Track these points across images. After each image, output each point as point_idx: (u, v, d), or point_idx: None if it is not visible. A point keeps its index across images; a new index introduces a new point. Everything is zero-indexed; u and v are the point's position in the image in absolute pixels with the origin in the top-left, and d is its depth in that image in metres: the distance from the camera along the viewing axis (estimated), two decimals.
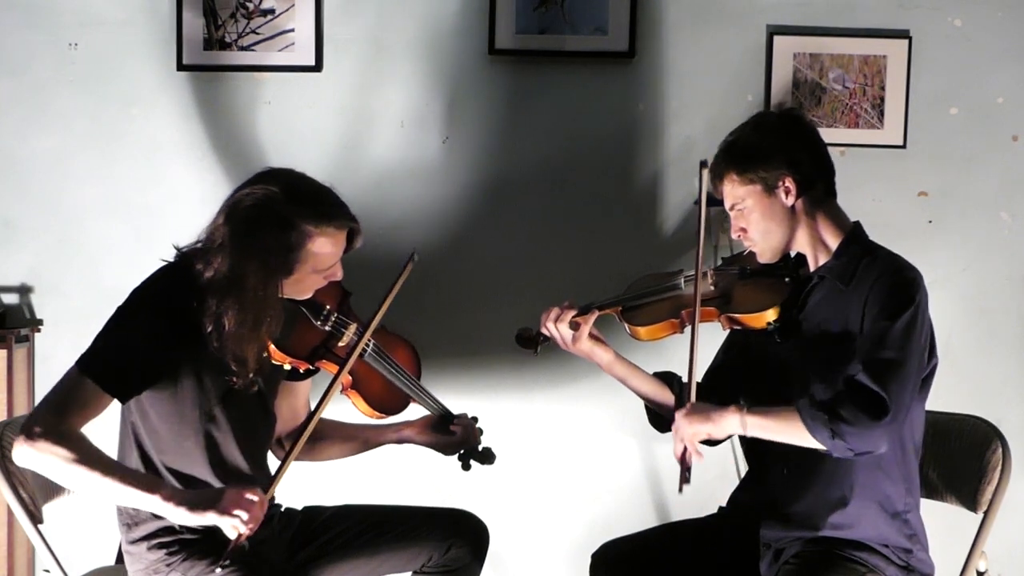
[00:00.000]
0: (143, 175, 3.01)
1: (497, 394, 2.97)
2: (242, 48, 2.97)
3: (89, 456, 1.92)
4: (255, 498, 1.95)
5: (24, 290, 3.03)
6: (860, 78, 2.94)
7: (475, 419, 2.44)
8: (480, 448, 2.44)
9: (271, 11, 2.96)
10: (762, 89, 2.95)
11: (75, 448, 1.91)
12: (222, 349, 2.01)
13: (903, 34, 2.94)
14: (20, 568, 2.94)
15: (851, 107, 2.94)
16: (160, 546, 2.09)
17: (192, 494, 1.98)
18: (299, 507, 2.36)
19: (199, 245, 2.07)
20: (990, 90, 2.96)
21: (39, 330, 3.01)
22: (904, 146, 2.95)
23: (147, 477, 2.02)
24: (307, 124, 2.98)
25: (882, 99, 2.94)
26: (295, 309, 2.14)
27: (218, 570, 1.99)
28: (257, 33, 2.96)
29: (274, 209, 1.99)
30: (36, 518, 2.17)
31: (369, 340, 2.20)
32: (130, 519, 2.12)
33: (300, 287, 2.08)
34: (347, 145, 2.98)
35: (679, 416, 2.13)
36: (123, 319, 2.02)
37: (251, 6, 2.96)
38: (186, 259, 2.07)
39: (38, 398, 3.00)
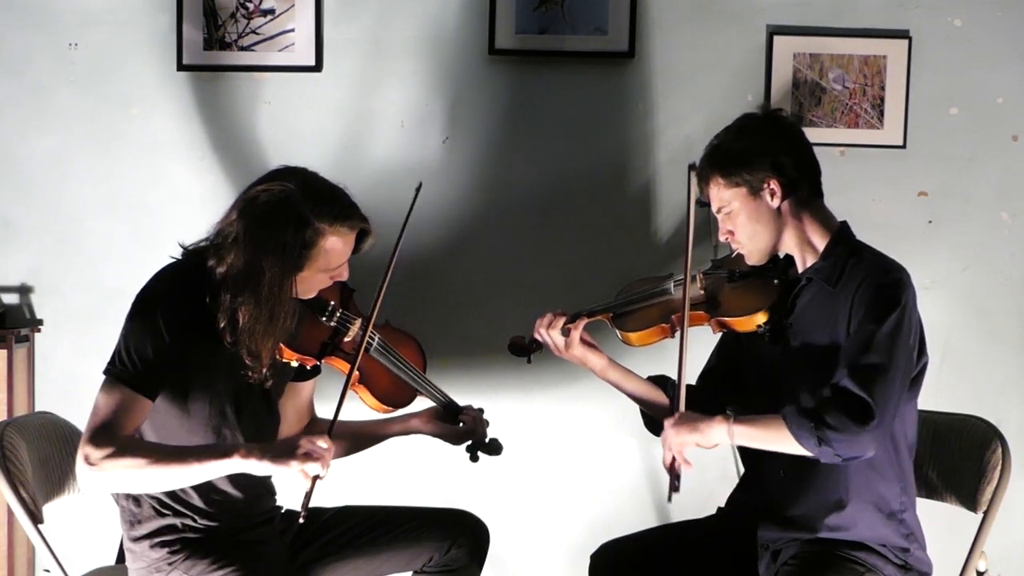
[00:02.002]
0: (143, 175, 3.01)
1: (497, 394, 2.97)
2: (242, 48, 2.97)
3: (157, 454, 1.94)
4: (325, 444, 1.98)
5: (24, 290, 3.03)
6: (860, 78, 2.94)
7: (481, 410, 2.44)
8: (487, 439, 2.44)
9: (271, 11, 2.96)
10: (762, 89, 2.95)
11: (141, 453, 1.93)
12: (236, 344, 2.02)
13: (903, 34, 2.94)
14: (20, 568, 2.94)
15: (851, 107, 2.94)
16: (162, 544, 2.10)
17: (268, 447, 1.99)
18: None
19: (208, 242, 2.07)
20: (990, 90, 2.95)
21: (39, 330, 3.01)
22: (904, 146, 2.94)
23: (216, 446, 2.02)
24: (307, 124, 2.98)
25: (882, 99, 2.94)
26: (301, 307, 2.15)
27: (300, 520, 2.01)
28: (257, 33, 2.96)
29: (292, 206, 2.00)
30: (36, 518, 2.18)
31: (374, 334, 2.23)
32: (133, 517, 2.12)
33: (307, 286, 2.09)
34: (347, 145, 2.98)
35: (667, 425, 2.13)
36: (139, 319, 2.02)
37: (251, 6, 2.96)
38: (194, 256, 2.08)
39: (38, 398, 3.00)
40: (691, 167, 2.21)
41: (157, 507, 2.09)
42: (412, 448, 2.95)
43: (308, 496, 1.98)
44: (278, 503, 2.31)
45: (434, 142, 2.99)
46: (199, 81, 2.99)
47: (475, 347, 2.98)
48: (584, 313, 2.34)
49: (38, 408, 2.95)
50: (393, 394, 2.30)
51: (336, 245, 2.05)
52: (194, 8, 2.95)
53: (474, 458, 2.44)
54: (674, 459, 2.11)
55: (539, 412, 3.02)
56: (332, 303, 2.22)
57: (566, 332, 2.31)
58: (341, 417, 2.40)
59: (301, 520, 2.00)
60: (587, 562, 2.36)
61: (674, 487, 2.11)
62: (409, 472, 2.99)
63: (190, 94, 2.99)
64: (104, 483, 1.94)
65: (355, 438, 2.44)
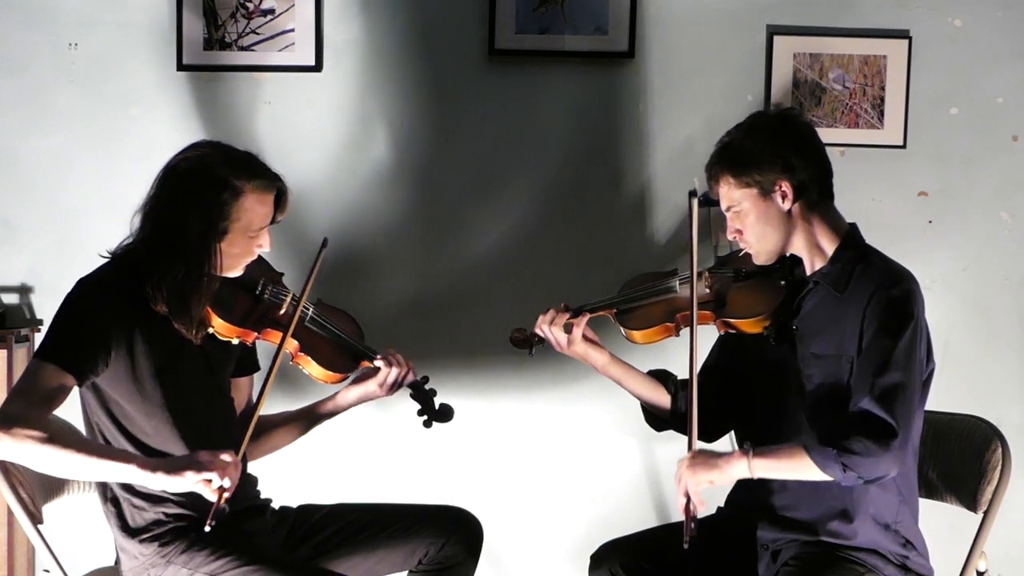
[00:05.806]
0: (143, 175, 2.97)
1: (497, 394, 2.97)
2: (242, 48, 2.97)
3: (62, 436, 1.99)
4: (228, 458, 2.01)
5: (24, 290, 3.03)
6: (860, 78, 2.93)
7: (423, 380, 2.41)
8: (437, 406, 2.42)
9: (271, 11, 2.96)
10: (762, 89, 2.95)
11: (47, 429, 1.97)
12: (169, 306, 2.07)
13: (903, 34, 2.94)
14: (20, 568, 2.94)
15: (851, 107, 2.94)
16: (153, 539, 2.11)
17: (167, 460, 2.03)
18: (294, 506, 2.37)
19: (132, 236, 2.15)
20: (990, 90, 2.95)
21: (39, 330, 3.01)
22: (904, 146, 2.94)
23: (121, 450, 2.07)
24: (307, 124, 2.98)
25: (882, 99, 2.94)
26: (233, 286, 2.21)
27: (207, 528, 2.02)
28: (257, 33, 2.96)
29: (210, 168, 2.10)
30: (36, 518, 2.18)
31: (308, 304, 2.30)
32: (117, 518, 2.14)
33: (232, 256, 2.14)
34: (347, 145, 2.98)
35: (682, 465, 2.09)
36: (69, 304, 2.09)
37: (251, 6, 2.96)
38: (122, 251, 2.16)
39: None
40: (691, 193, 2.20)
41: (134, 500, 2.12)
42: (408, 446, 2.95)
43: (214, 506, 2.00)
44: (265, 496, 2.31)
45: (434, 142, 2.98)
46: (199, 81, 2.99)
47: (474, 347, 2.98)
48: (586, 309, 2.34)
49: None
50: (335, 359, 2.32)
51: (255, 205, 2.12)
52: (194, 8, 2.95)
53: (427, 424, 2.43)
54: (689, 501, 2.06)
55: (539, 412, 3.01)
56: (262, 280, 2.28)
57: (568, 329, 2.30)
58: (272, 410, 2.42)
59: (207, 528, 2.01)
60: (587, 562, 2.35)
61: (691, 532, 2.03)
62: (405, 471, 2.99)
63: (190, 94, 2.99)
64: (10, 450, 1.97)
65: (292, 424, 2.42)
